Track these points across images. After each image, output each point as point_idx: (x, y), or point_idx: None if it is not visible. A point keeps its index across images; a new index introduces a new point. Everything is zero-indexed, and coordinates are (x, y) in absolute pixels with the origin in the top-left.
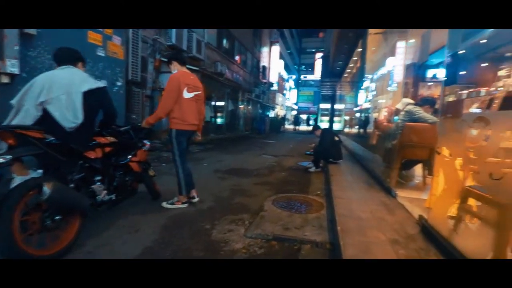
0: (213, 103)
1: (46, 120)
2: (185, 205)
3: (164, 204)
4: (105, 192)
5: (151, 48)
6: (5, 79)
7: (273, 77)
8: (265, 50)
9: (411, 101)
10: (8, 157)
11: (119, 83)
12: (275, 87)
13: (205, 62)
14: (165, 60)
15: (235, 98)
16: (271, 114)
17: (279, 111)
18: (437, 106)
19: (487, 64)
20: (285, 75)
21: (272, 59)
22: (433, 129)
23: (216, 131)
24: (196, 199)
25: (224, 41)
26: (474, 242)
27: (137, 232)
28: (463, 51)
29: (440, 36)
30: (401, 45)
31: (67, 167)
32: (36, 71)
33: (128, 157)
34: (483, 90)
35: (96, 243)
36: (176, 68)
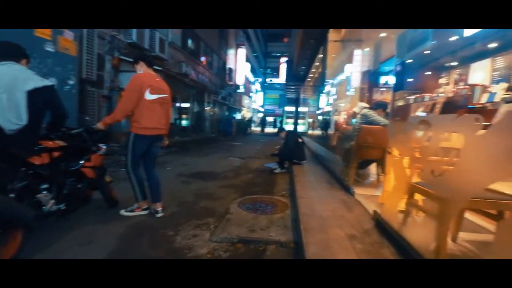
0: (178, 104)
1: None
2: (145, 212)
3: (123, 212)
4: (53, 201)
5: (109, 45)
6: None
7: (239, 80)
8: (231, 52)
9: (366, 105)
10: None
11: (71, 82)
12: (241, 90)
13: (169, 62)
14: (126, 58)
15: (201, 99)
16: (238, 116)
17: (245, 113)
18: (388, 110)
19: (430, 72)
20: (251, 77)
21: (239, 62)
22: (385, 131)
23: (181, 134)
24: (160, 214)
25: (189, 42)
26: (420, 233)
27: (90, 244)
28: (410, 60)
29: (391, 46)
30: (357, 53)
31: (7, 175)
32: None
33: (81, 162)
34: (427, 96)
35: (43, 258)
36: (142, 69)
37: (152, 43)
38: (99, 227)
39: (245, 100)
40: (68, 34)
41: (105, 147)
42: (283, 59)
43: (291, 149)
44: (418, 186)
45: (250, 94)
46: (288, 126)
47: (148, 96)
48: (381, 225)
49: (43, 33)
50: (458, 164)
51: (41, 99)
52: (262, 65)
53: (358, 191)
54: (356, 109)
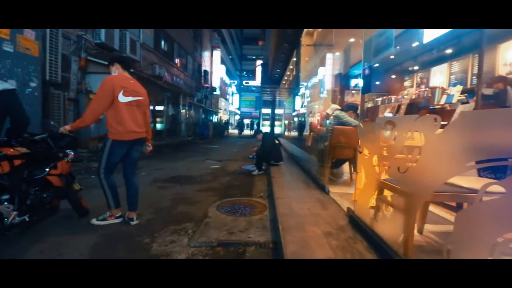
0: (151, 108)
1: None
2: (119, 220)
3: (94, 221)
4: (15, 213)
5: (75, 45)
6: None
7: (215, 82)
8: (206, 54)
9: (338, 107)
10: None
11: (33, 84)
12: (217, 92)
13: (141, 63)
14: (94, 59)
15: (176, 102)
16: (214, 119)
17: (222, 116)
18: (358, 111)
19: (395, 76)
20: (227, 80)
21: (214, 64)
22: (356, 132)
23: (155, 138)
24: (135, 222)
25: (162, 43)
26: (390, 226)
27: (59, 257)
28: (377, 64)
29: (359, 50)
30: (329, 57)
31: None
32: None
33: (46, 170)
34: (393, 98)
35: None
36: (117, 71)
37: (122, 43)
38: (69, 238)
39: (222, 103)
40: (29, 33)
41: (72, 153)
42: (259, 62)
43: (268, 151)
44: (387, 183)
45: (227, 97)
46: (265, 128)
47: (122, 98)
48: (354, 221)
49: (0, 31)
50: (420, 161)
51: (0, 104)
52: (238, 67)
53: (333, 189)
54: (329, 111)
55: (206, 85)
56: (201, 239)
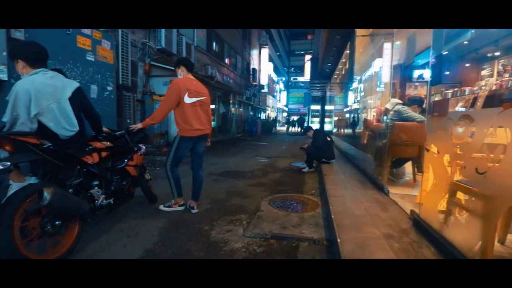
0: None
1: (42, 131)
2: (182, 208)
3: (161, 207)
4: (103, 196)
5: (140, 52)
6: None
7: (263, 80)
8: (254, 52)
9: (400, 101)
10: (7, 163)
11: (109, 88)
12: (265, 89)
13: (195, 65)
14: (156, 64)
15: (226, 101)
16: (263, 116)
17: (270, 113)
18: (424, 105)
19: (469, 64)
20: (275, 77)
21: (262, 62)
22: (421, 128)
23: None
24: (195, 210)
25: (214, 44)
26: (464, 233)
27: (136, 236)
28: (446, 52)
29: (424, 37)
30: (387, 47)
31: (65, 173)
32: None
33: (125, 161)
34: (467, 89)
35: (96, 247)
36: (182, 73)
37: (179, 48)
38: (142, 221)
39: (269, 100)
40: (106, 44)
41: (144, 147)
42: (308, 57)
43: (319, 148)
44: (461, 184)
45: (274, 94)
46: (314, 125)
47: (187, 99)
48: (419, 225)
49: (84, 44)
50: (504, 161)
51: (77, 102)
52: (286, 64)
53: (393, 190)
54: (388, 106)
55: (255, 83)
56: (255, 230)
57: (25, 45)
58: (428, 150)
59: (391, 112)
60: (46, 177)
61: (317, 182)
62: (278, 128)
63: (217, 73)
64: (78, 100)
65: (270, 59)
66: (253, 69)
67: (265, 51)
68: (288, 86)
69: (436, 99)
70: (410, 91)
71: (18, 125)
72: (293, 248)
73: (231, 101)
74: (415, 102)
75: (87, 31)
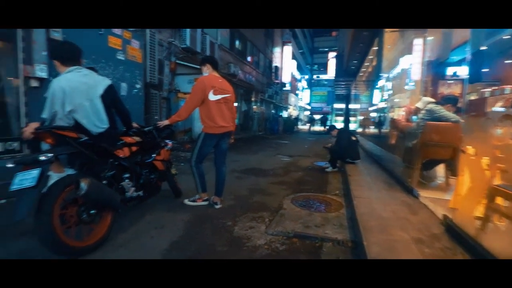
0: None
1: (77, 127)
2: (205, 203)
3: (186, 201)
4: (133, 189)
5: (166, 51)
6: (35, 83)
7: (285, 78)
8: (277, 50)
9: (432, 99)
10: (49, 155)
11: (138, 86)
12: (287, 88)
13: (218, 63)
14: (181, 62)
15: (248, 99)
16: (284, 114)
17: (292, 112)
18: (459, 104)
19: (511, 61)
20: (297, 75)
21: (285, 60)
22: (456, 128)
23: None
24: (219, 206)
25: (237, 43)
26: (504, 241)
27: (162, 228)
28: (485, 47)
29: (459, 33)
30: (418, 43)
31: (99, 165)
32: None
33: (153, 155)
34: (508, 88)
35: (126, 237)
36: (208, 70)
37: (203, 46)
38: (168, 214)
39: (292, 98)
40: (135, 43)
41: (171, 143)
42: (332, 54)
43: (343, 148)
44: (502, 189)
45: (297, 92)
46: (338, 125)
47: (212, 97)
48: (452, 231)
49: (115, 43)
50: None
51: (109, 100)
52: (309, 61)
53: (423, 193)
54: (419, 105)
55: (277, 81)
56: (277, 228)
57: (58, 46)
58: (464, 152)
59: (423, 111)
60: (82, 169)
61: (341, 182)
62: (300, 126)
63: (239, 71)
64: (110, 97)
65: (293, 57)
66: (276, 67)
67: (288, 49)
68: (311, 84)
69: (472, 98)
70: (443, 90)
71: (57, 121)
72: (316, 248)
73: (253, 99)
74: (449, 101)
75: (118, 31)
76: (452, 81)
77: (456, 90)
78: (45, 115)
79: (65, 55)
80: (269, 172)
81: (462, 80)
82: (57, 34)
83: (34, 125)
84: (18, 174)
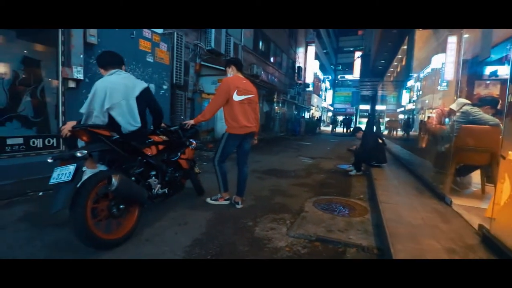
0: None
1: (111, 125)
2: (227, 202)
3: (208, 200)
4: (159, 186)
5: (192, 53)
6: (72, 84)
7: (308, 78)
8: (300, 50)
9: (468, 101)
10: (84, 151)
11: (165, 87)
12: (310, 88)
13: (242, 65)
14: (206, 64)
15: (270, 99)
16: (306, 115)
17: (314, 112)
18: (499, 106)
19: None
20: (321, 75)
21: (308, 60)
22: (494, 132)
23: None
24: (240, 206)
25: (260, 44)
26: None
27: (186, 225)
28: None
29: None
30: (452, 40)
31: (129, 162)
32: (96, 76)
33: (178, 154)
34: None
35: (152, 232)
36: (232, 72)
37: (227, 48)
38: (191, 211)
39: (314, 99)
40: (163, 46)
41: (195, 142)
42: (357, 54)
43: (369, 150)
44: None
45: (320, 93)
46: (362, 126)
47: (236, 97)
48: (490, 242)
49: (145, 46)
50: None
51: (144, 101)
52: (333, 61)
53: (456, 201)
54: (453, 106)
55: (299, 81)
56: (299, 231)
57: (99, 56)
58: (504, 158)
59: (458, 114)
60: (112, 165)
61: (366, 186)
62: (322, 128)
63: (262, 72)
64: (145, 98)
65: (317, 57)
66: (299, 67)
67: (312, 49)
68: (335, 84)
69: None
70: (480, 90)
71: (92, 118)
72: (339, 253)
73: (275, 100)
74: (488, 102)
75: (148, 34)
76: (489, 82)
77: (494, 91)
78: (83, 110)
79: (103, 62)
80: (291, 173)
81: (501, 80)
82: (93, 38)
83: (71, 123)
84: (56, 169)
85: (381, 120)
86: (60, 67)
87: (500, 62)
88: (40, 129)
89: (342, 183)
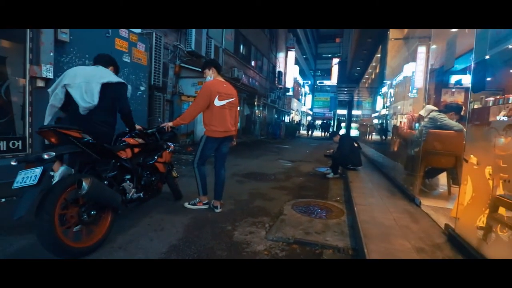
0: None
1: (69, 105)
2: (205, 207)
3: (186, 205)
4: (134, 190)
5: (172, 54)
6: (41, 83)
7: (288, 83)
8: (281, 55)
9: (435, 108)
10: (52, 153)
11: (142, 88)
12: (290, 93)
13: (222, 67)
14: (185, 66)
15: (251, 103)
16: (287, 119)
17: (294, 116)
18: (462, 112)
19: None
20: (300, 80)
21: (288, 65)
22: (458, 137)
23: None
24: (219, 210)
25: (241, 47)
26: (506, 252)
27: (162, 231)
28: (488, 56)
29: (463, 41)
30: (421, 50)
31: (101, 166)
32: None
33: (155, 157)
34: None
35: (125, 239)
36: (212, 75)
37: (208, 50)
38: (168, 216)
39: (294, 103)
40: (141, 46)
41: (173, 145)
42: (335, 60)
43: (345, 154)
44: (505, 199)
45: (299, 97)
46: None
47: (217, 102)
48: (454, 240)
49: (122, 46)
50: None
51: (112, 91)
52: (312, 67)
53: (425, 202)
54: (422, 112)
55: (280, 86)
56: (277, 234)
57: (98, 54)
58: (467, 161)
59: (426, 119)
60: (84, 169)
61: (342, 189)
62: (302, 131)
63: (243, 76)
64: (114, 91)
65: (296, 62)
66: (279, 72)
67: (292, 54)
68: (314, 89)
69: (475, 106)
70: (446, 98)
71: (52, 96)
72: (316, 255)
73: (255, 103)
74: (453, 109)
75: (124, 34)
76: (455, 90)
77: (459, 98)
78: (49, 89)
79: (94, 60)
80: (270, 176)
81: (465, 89)
82: (64, 36)
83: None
84: (20, 172)
85: (342, 124)
86: (28, 65)
87: (464, 71)
88: (4, 130)
89: (320, 186)
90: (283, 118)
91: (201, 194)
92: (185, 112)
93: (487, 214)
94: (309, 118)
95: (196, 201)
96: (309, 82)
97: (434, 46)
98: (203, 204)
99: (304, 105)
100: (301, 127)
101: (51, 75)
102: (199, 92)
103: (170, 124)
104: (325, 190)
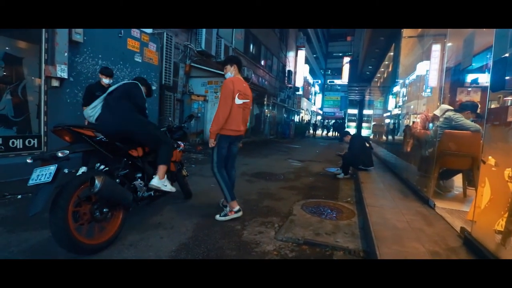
0: None
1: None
2: (238, 215)
3: (218, 217)
4: (145, 188)
5: (182, 54)
6: (55, 83)
7: (298, 82)
8: (291, 54)
9: (450, 107)
10: (66, 152)
11: (153, 87)
12: (300, 92)
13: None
14: (195, 65)
15: (261, 102)
16: (296, 118)
17: (304, 116)
18: (478, 110)
19: None
20: (310, 79)
21: (298, 64)
22: (475, 137)
23: None
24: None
25: (251, 46)
26: None
27: (172, 229)
28: (507, 54)
29: (480, 39)
30: (436, 49)
31: (113, 164)
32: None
33: None
34: None
35: (136, 237)
36: (233, 72)
37: (218, 50)
38: (178, 215)
39: (304, 103)
40: (152, 46)
41: (183, 144)
42: (346, 59)
43: (356, 154)
44: None
45: (309, 96)
46: (351, 130)
47: (237, 101)
48: (471, 244)
49: (133, 46)
50: None
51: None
52: (322, 66)
53: (440, 204)
54: (437, 112)
55: (289, 85)
56: (287, 234)
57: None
58: (484, 163)
59: (441, 119)
60: (96, 167)
61: (353, 189)
62: (311, 131)
63: (252, 75)
64: (124, 89)
65: (307, 61)
66: (289, 71)
67: (302, 53)
68: (324, 88)
69: (493, 106)
70: (462, 97)
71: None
72: (326, 257)
73: (265, 103)
74: (468, 107)
75: (136, 34)
76: (471, 89)
77: (475, 97)
78: None
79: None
80: (280, 176)
81: (482, 88)
82: (78, 36)
83: None
84: (36, 170)
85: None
86: (43, 65)
87: (481, 70)
88: (20, 129)
89: (330, 186)
90: (293, 118)
91: (229, 200)
92: (215, 117)
93: (506, 217)
94: (319, 117)
95: (226, 211)
96: (319, 81)
97: (449, 44)
98: (234, 212)
99: (314, 104)
100: (311, 127)
101: (65, 75)
102: (222, 90)
103: (213, 141)
104: (336, 190)
